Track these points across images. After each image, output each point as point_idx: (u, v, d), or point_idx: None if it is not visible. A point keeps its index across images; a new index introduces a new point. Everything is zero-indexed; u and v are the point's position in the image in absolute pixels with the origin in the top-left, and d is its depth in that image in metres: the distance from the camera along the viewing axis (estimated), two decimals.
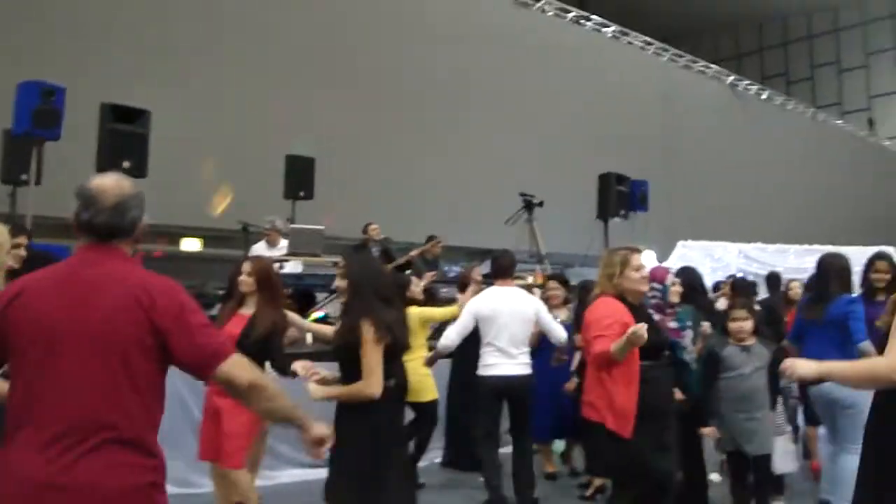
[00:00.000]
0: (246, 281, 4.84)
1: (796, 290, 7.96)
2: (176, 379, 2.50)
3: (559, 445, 7.41)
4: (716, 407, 5.05)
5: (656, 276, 5.19)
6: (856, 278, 5.76)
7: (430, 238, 10.34)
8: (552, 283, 7.08)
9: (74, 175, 2.50)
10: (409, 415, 5.78)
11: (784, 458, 5.11)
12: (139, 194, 2.49)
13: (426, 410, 6.27)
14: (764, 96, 25.51)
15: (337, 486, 4.00)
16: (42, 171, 8.31)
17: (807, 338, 5.54)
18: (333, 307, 7.76)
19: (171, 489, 2.90)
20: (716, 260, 14.16)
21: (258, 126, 12.50)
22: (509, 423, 6.02)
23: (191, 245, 13.57)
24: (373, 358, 3.90)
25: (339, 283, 4.28)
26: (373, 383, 3.89)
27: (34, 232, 5.40)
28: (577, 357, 6.45)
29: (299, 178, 11.30)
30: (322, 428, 2.58)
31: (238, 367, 2.41)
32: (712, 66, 23.93)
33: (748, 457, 5.06)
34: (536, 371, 5.92)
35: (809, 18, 35.33)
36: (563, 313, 6.73)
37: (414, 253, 9.82)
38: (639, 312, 4.51)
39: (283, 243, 9.22)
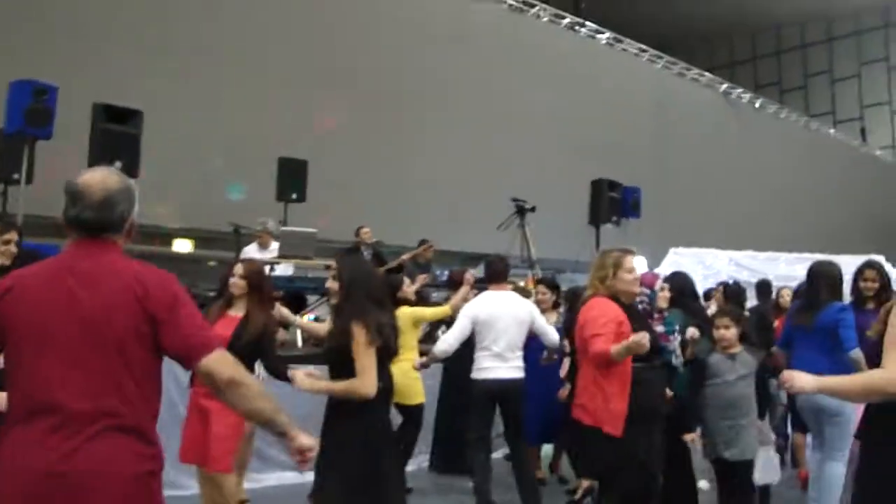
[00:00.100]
0: (238, 283, 4.82)
1: (786, 298, 7.98)
2: (165, 377, 2.49)
3: (548, 450, 7.41)
4: (701, 413, 5.05)
5: (645, 282, 5.22)
6: (847, 286, 5.78)
7: (422, 242, 10.33)
8: (541, 287, 7.09)
9: (66, 174, 2.49)
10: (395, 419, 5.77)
11: (767, 468, 5.09)
12: (128, 188, 2.48)
13: (413, 414, 6.26)
14: (757, 105, 25.59)
15: (327, 491, 3.93)
16: (34, 169, 8.29)
17: (796, 344, 5.56)
18: (324, 310, 7.75)
19: None
20: (707, 267, 14.14)
21: (251, 128, 12.50)
22: (503, 427, 6.03)
23: (182, 246, 13.55)
24: (366, 359, 3.86)
25: (331, 284, 4.26)
26: (367, 383, 3.85)
27: (24, 231, 5.37)
28: (566, 363, 6.46)
29: (292, 180, 11.30)
30: (307, 438, 2.52)
31: (221, 362, 2.38)
32: (706, 73, 24.01)
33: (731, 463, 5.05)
34: (525, 374, 5.93)
35: (803, 28, 35.46)
36: (553, 317, 6.74)
37: (405, 257, 9.81)
38: (632, 313, 4.53)
39: (275, 245, 9.20)
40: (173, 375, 4.73)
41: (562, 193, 14.33)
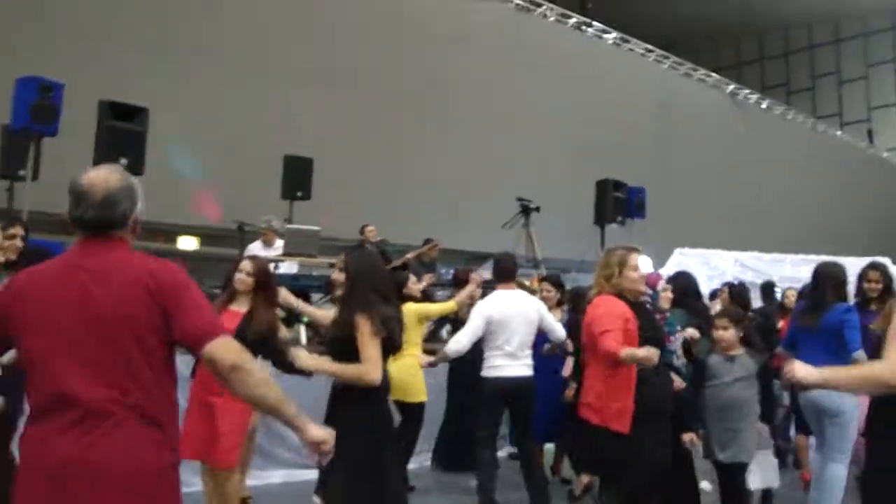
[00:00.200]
0: (245, 280, 4.84)
1: (791, 299, 7.98)
2: None
3: (549, 450, 7.40)
4: (701, 414, 5.04)
5: (648, 282, 5.21)
6: (851, 288, 5.78)
7: (427, 241, 10.33)
8: (546, 285, 7.09)
9: (72, 171, 2.51)
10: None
11: (765, 472, 5.06)
12: (130, 185, 2.49)
13: (414, 412, 6.26)
14: (764, 105, 25.54)
15: (333, 481, 3.93)
16: (40, 166, 8.31)
17: (801, 345, 5.56)
18: (328, 308, 7.75)
19: None
20: (712, 268, 14.12)
21: (257, 125, 12.52)
22: (513, 425, 6.03)
23: (188, 243, 13.58)
24: (372, 348, 3.85)
25: (337, 276, 4.26)
26: (373, 370, 3.84)
27: (30, 228, 5.38)
28: (569, 363, 6.47)
29: (297, 178, 11.29)
30: (318, 429, 2.50)
31: (224, 347, 2.39)
32: (713, 74, 23.98)
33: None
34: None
35: (810, 29, 35.39)
36: (557, 314, 6.74)
37: (410, 255, 9.80)
38: (640, 310, 4.54)
39: (279, 243, 9.21)
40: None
41: (566, 193, 14.32)
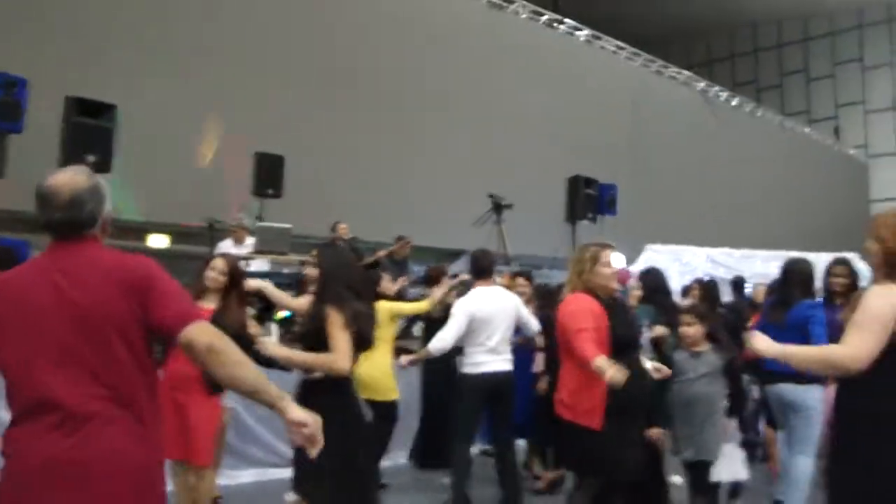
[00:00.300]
0: (217, 278, 4.83)
1: (762, 295, 8.05)
2: None
3: (521, 445, 7.42)
4: (668, 410, 5.06)
5: (618, 279, 5.24)
6: (820, 283, 5.85)
7: (399, 238, 10.33)
8: (521, 280, 7.10)
9: (38, 169, 2.50)
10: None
11: (732, 465, 5.08)
12: (95, 186, 2.50)
13: (387, 410, 6.23)
14: (734, 103, 25.75)
15: (309, 475, 3.87)
16: (5, 165, 8.19)
17: None
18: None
19: None
20: (683, 264, 14.27)
21: (227, 122, 12.41)
22: (492, 420, 6.04)
23: (158, 241, 13.44)
24: (341, 340, 3.86)
25: (311, 271, 4.27)
26: (341, 358, 3.84)
27: None
28: (539, 358, 6.50)
29: (268, 175, 11.24)
30: (300, 411, 2.47)
31: (200, 330, 2.38)
32: (684, 71, 24.12)
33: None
34: None
35: (780, 27, 35.72)
36: (529, 310, 6.75)
37: (382, 253, 9.79)
38: (612, 307, 4.56)
39: (250, 241, 9.17)
40: None
41: (538, 190, 14.35)
